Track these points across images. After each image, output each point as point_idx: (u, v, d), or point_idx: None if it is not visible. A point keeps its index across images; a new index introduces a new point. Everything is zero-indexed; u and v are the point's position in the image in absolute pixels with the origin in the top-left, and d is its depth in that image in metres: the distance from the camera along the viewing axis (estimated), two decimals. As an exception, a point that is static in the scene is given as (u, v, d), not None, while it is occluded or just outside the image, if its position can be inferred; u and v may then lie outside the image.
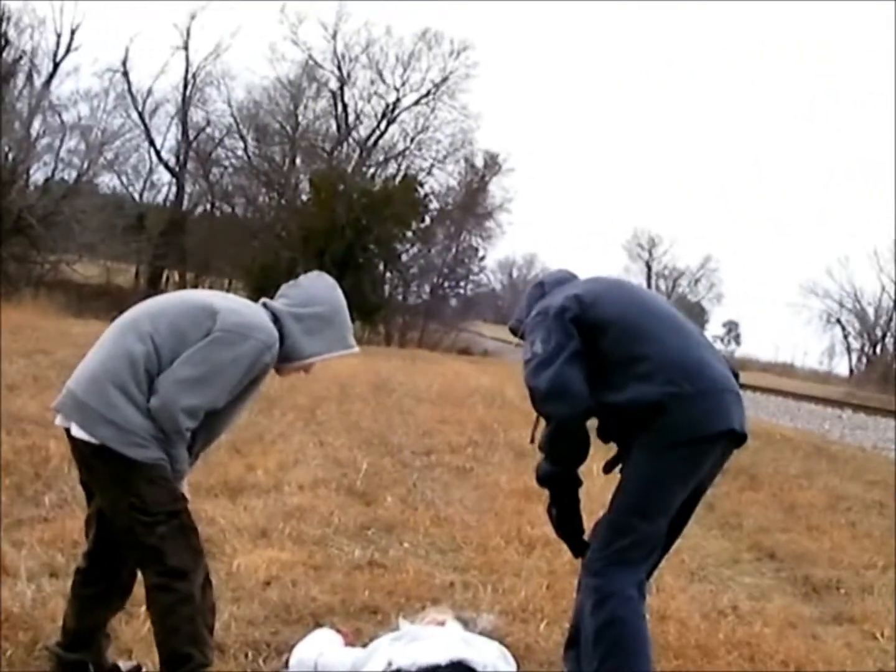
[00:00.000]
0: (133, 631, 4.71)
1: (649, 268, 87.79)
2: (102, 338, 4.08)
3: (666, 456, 3.99)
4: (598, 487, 4.91)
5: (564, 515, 4.37)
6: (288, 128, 51.38)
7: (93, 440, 3.85)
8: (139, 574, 4.14)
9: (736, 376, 4.25)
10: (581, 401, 3.99)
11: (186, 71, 50.83)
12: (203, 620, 3.99)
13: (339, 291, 4.33)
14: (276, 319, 4.11)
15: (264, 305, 4.20)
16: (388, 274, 54.09)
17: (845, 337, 74.27)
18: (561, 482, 4.30)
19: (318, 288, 4.28)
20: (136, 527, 3.89)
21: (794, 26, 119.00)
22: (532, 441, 4.35)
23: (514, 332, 4.51)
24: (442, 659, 3.86)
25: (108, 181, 50.54)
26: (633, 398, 4.00)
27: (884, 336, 71.70)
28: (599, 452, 4.28)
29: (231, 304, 4.10)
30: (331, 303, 4.25)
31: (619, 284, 4.55)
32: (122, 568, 4.17)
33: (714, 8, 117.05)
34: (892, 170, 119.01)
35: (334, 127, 52.45)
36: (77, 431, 3.90)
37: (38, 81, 43.99)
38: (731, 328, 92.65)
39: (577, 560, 4.45)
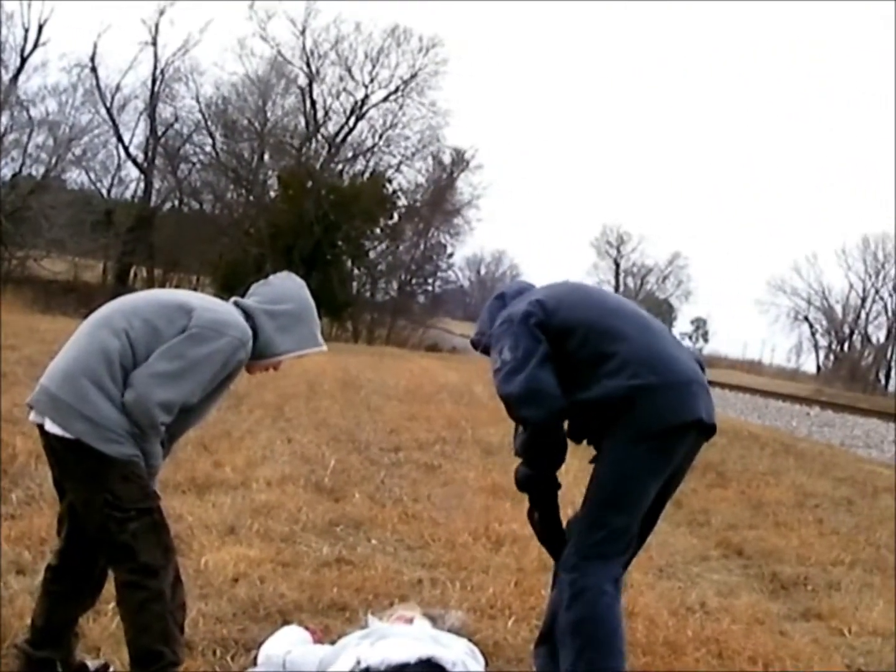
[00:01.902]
0: (101, 628, 4.68)
1: (617, 265, 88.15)
2: (75, 335, 4.07)
3: (637, 448, 4.01)
4: (566, 483, 4.91)
5: (545, 519, 4.37)
6: (256, 124, 51.15)
7: (67, 435, 3.83)
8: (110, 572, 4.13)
9: (703, 371, 4.27)
10: (556, 402, 4.01)
11: (155, 67, 50.43)
12: (173, 618, 3.98)
13: (308, 291, 4.38)
14: (248, 317, 4.13)
15: (235, 304, 4.21)
16: (356, 271, 54.01)
17: (813, 334, 74.99)
18: (540, 485, 4.30)
19: (288, 286, 4.33)
20: (109, 523, 3.87)
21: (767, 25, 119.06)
22: (517, 454, 4.33)
23: (475, 345, 4.52)
24: (411, 657, 3.85)
25: (76, 177, 50.02)
26: (601, 394, 4.02)
27: (851, 334, 72.35)
28: (572, 450, 4.27)
29: (205, 303, 4.12)
30: (301, 301, 4.30)
31: (580, 288, 4.60)
32: (93, 566, 4.15)
33: (687, 7, 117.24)
34: (861, 168, 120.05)
35: (303, 123, 52.29)
36: (51, 427, 3.88)
37: (6, 76, 43.51)
38: (700, 325, 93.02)
39: (549, 558, 4.45)
